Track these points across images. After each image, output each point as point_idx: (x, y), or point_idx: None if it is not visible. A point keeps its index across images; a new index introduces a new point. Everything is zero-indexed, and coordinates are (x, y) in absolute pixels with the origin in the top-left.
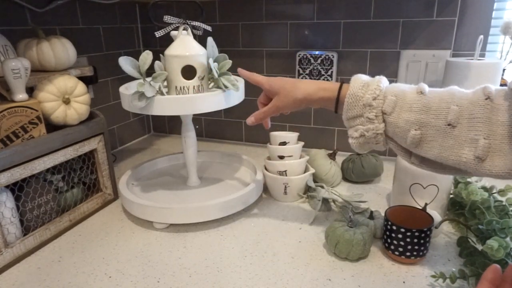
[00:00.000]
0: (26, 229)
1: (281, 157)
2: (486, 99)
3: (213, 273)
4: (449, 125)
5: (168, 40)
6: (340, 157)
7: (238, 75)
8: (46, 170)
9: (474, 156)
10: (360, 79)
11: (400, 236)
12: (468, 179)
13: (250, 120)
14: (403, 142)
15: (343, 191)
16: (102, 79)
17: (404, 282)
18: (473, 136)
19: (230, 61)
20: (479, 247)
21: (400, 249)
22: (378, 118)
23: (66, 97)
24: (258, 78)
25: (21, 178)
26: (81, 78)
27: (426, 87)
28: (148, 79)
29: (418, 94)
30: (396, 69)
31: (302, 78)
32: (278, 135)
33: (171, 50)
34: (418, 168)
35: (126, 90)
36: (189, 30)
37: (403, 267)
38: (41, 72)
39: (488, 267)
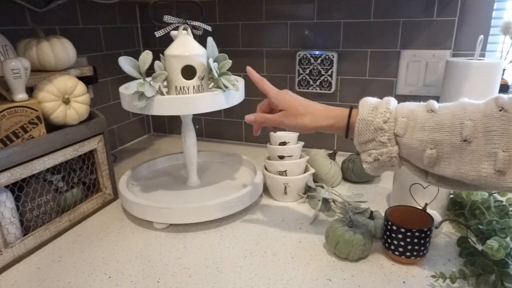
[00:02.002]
0: (26, 229)
1: (281, 157)
2: (500, 110)
3: (213, 273)
4: (464, 141)
5: (168, 40)
6: (340, 157)
7: (238, 75)
8: (46, 170)
9: (494, 170)
10: (368, 103)
11: (400, 236)
12: None
13: (250, 118)
14: (419, 163)
15: (343, 191)
16: (102, 79)
17: (404, 282)
18: (491, 149)
19: (230, 61)
20: (479, 247)
21: (400, 249)
22: (391, 141)
23: (66, 97)
24: (266, 87)
25: (21, 178)
26: (81, 78)
27: (436, 104)
28: (148, 79)
29: (429, 112)
30: (396, 69)
31: (302, 77)
32: (278, 135)
33: (171, 50)
34: (436, 186)
35: (126, 90)
36: (189, 30)
37: (403, 267)
38: (41, 72)
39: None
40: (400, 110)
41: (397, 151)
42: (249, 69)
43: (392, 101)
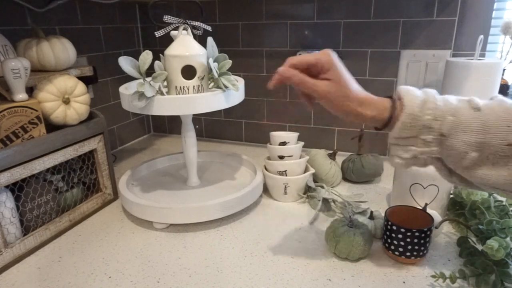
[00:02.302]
0: (26, 229)
1: (281, 157)
2: None
3: (213, 273)
4: (509, 145)
5: (168, 40)
6: (340, 157)
7: (238, 75)
8: (46, 170)
9: None
10: (414, 95)
11: (400, 236)
12: None
13: (283, 71)
14: (454, 164)
15: (343, 191)
16: (102, 79)
17: (404, 282)
18: None
19: (230, 61)
20: (479, 247)
21: (400, 249)
22: (435, 140)
23: (66, 97)
24: (309, 57)
25: (21, 178)
26: (81, 78)
27: (479, 101)
28: (148, 79)
29: (475, 111)
30: (396, 69)
31: None
32: (278, 135)
33: (171, 50)
34: (457, 185)
35: (126, 90)
36: (189, 30)
37: (403, 267)
38: (41, 72)
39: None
40: (447, 107)
41: (438, 151)
42: (273, 83)
43: (436, 95)
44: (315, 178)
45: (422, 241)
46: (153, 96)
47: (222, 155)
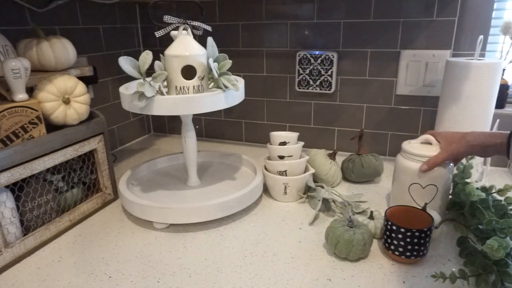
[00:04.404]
0: (26, 229)
1: (281, 157)
2: None
3: (213, 273)
4: None
5: (168, 40)
6: (340, 157)
7: (238, 75)
8: (46, 170)
9: None
10: None
11: (400, 236)
12: (467, 180)
13: (423, 168)
14: None
15: (343, 191)
16: (102, 79)
17: (404, 282)
18: None
19: (230, 61)
20: (479, 247)
21: (400, 249)
22: None
23: (66, 97)
24: (440, 158)
25: (21, 178)
26: (81, 78)
27: None
28: (148, 79)
29: None
30: (396, 69)
31: (302, 77)
32: (278, 135)
33: (171, 50)
34: None
35: (126, 90)
36: (189, 30)
37: (403, 267)
38: (41, 72)
39: None
40: None
41: None
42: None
43: None
44: (315, 178)
45: (422, 241)
46: (153, 96)
47: (222, 155)
